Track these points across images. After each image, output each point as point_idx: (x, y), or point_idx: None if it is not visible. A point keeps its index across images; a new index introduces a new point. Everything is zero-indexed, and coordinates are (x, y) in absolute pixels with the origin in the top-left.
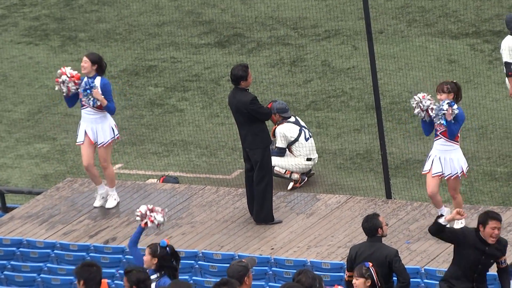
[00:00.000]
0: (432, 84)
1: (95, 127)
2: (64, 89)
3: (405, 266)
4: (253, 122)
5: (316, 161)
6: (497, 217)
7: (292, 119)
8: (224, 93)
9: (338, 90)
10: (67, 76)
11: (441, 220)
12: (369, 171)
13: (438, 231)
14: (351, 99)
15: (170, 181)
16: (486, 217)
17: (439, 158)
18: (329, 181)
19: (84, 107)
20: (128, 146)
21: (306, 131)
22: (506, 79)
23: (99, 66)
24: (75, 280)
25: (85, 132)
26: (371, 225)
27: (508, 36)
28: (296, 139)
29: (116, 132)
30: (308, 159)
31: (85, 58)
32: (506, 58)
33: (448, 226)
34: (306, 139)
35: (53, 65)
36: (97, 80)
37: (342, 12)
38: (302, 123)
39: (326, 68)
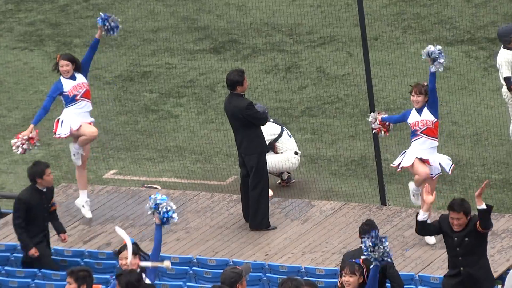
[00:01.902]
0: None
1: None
2: (20, 150)
3: (399, 273)
4: (249, 128)
5: (300, 158)
6: (455, 209)
7: (271, 119)
8: (219, 99)
9: (333, 97)
10: (24, 139)
11: (420, 217)
12: (363, 177)
13: (423, 228)
14: (346, 105)
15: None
16: (448, 207)
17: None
18: (323, 187)
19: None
20: (123, 152)
21: (287, 130)
22: (503, 90)
23: (77, 65)
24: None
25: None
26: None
27: (502, 50)
28: (280, 135)
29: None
30: (296, 153)
31: (66, 62)
32: (506, 73)
33: (428, 221)
34: (290, 136)
35: (48, 70)
36: (79, 77)
37: (337, 18)
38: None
39: (321, 74)
